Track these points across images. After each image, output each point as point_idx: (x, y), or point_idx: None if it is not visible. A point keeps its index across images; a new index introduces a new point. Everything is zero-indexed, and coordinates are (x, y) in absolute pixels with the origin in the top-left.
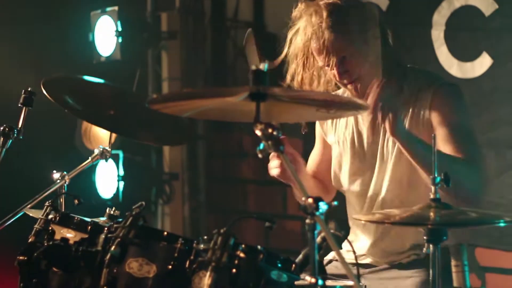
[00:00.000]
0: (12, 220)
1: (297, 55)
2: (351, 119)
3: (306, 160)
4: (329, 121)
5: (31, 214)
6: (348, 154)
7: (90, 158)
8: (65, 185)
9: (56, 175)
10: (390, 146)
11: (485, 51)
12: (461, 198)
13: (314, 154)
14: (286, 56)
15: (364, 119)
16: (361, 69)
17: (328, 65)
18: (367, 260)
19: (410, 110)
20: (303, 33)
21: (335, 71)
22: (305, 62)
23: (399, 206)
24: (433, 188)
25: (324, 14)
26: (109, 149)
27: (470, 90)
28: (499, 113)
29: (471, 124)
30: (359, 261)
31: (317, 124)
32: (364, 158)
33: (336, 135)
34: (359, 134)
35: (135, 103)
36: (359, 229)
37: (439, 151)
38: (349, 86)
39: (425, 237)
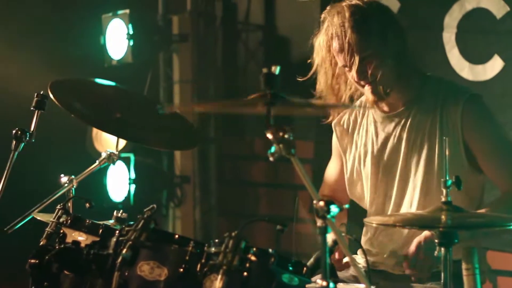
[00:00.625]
0: (21, 223)
1: (320, 57)
2: (370, 133)
3: (317, 165)
4: (347, 138)
5: (39, 218)
6: (369, 169)
7: (97, 162)
8: (73, 188)
9: (63, 179)
10: (413, 163)
11: (497, 53)
12: None
13: (332, 171)
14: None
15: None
16: (380, 70)
17: (347, 66)
18: (381, 266)
19: (438, 118)
20: (325, 33)
21: (354, 72)
22: (329, 66)
23: None
24: (444, 191)
25: (347, 14)
26: (117, 153)
27: (481, 93)
28: (510, 115)
29: (506, 132)
30: (375, 268)
31: (334, 139)
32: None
33: (354, 150)
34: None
35: (143, 106)
36: (381, 235)
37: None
38: (366, 87)
39: (436, 240)
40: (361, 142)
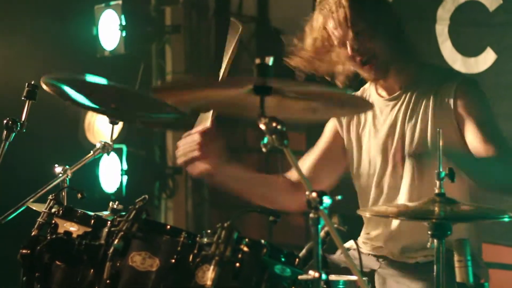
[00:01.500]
0: (14, 214)
1: (313, 37)
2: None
3: None
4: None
5: (34, 208)
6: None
7: (92, 152)
8: (67, 179)
9: (58, 169)
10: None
11: (489, 46)
12: (503, 191)
13: (311, 162)
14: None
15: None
16: (375, 46)
17: (342, 43)
18: (384, 252)
19: (431, 100)
20: (320, 13)
21: (348, 47)
22: (323, 51)
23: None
24: (438, 182)
25: None
26: (111, 143)
27: None
28: (503, 108)
29: (495, 118)
30: (377, 253)
31: (331, 127)
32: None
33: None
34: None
35: (137, 98)
36: (375, 221)
37: (472, 156)
38: (365, 67)
39: (429, 232)
40: (362, 132)
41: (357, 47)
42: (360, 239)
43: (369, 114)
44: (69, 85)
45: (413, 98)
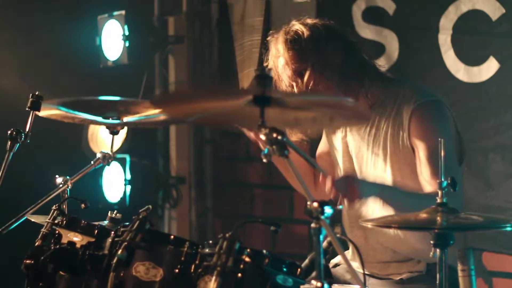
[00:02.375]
0: (15, 224)
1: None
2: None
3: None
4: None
5: (33, 220)
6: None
7: (92, 162)
8: (68, 189)
9: (58, 180)
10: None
11: (492, 55)
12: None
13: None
14: None
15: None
16: (320, 84)
17: (291, 86)
18: (367, 269)
19: (390, 126)
20: (270, 57)
21: (295, 88)
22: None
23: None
24: (440, 192)
25: (281, 38)
26: (112, 154)
27: (477, 95)
28: (505, 117)
29: (450, 145)
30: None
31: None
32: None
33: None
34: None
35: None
36: (353, 236)
37: (415, 193)
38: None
39: (432, 242)
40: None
41: (304, 86)
42: (348, 255)
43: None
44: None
45: (377, 119)
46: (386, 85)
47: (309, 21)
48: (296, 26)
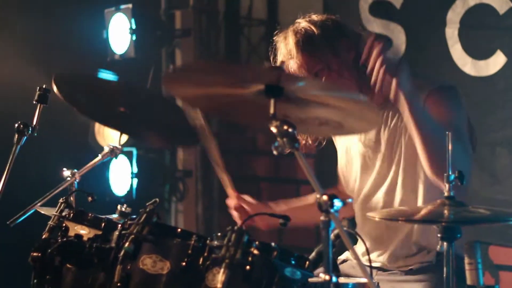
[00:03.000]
0: (23, 217)
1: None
2: None
3: (320, 159)
4: None
5: (42, 212)
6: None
7: (100, 155)
8: (75, 182)
9: (66, 173)
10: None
11: (499, 49)
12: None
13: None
14: None
15: None
16: (337, 81)
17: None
18: (377, 264)
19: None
20: (280, 56)
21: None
22: None
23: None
24: (447, 185)
25: (291, 40)
26: (119, 147)
27: (484, 88)
28: None
29: (464, 126)
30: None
31: None
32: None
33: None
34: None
35: (147, 100)
36: (364, 232)
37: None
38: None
39: (439, 235)
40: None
41: None
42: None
43: None
44: (81, 86)
45: (389, 116)
46: None
47: (315, 17)
48: (304, 24)
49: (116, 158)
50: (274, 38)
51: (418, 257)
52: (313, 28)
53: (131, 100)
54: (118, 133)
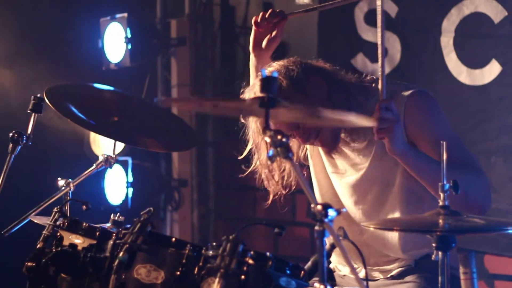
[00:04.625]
0: (18, 227)
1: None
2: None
3: None
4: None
5: (36, 221)
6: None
7: (94, 165)
8: (70, 192)
9: (61, 182)
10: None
11: (494, 58)
12: (472, 208)
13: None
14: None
15: None
16: (317, 124)
17: (292, 136)
18: (362, 273)
19: None
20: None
21: (298, 140)
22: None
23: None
24: (442, 195)
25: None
26: (114, 156)
27: (479, 97)
28: (508, 120)
29: (451, 129)
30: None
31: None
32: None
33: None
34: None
35: (140, 108)
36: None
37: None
38: (316, 143)
39: (434, 244)
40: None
41: (304, 136)
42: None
43: None
44: (74, 96)
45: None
46: (371, 96)
47: (278, 66)
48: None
49: (111, 167)
50: (241, 95)
51: (397, 263)
52: (280, 78)
53: (124, 108)
54: (112, 142)
